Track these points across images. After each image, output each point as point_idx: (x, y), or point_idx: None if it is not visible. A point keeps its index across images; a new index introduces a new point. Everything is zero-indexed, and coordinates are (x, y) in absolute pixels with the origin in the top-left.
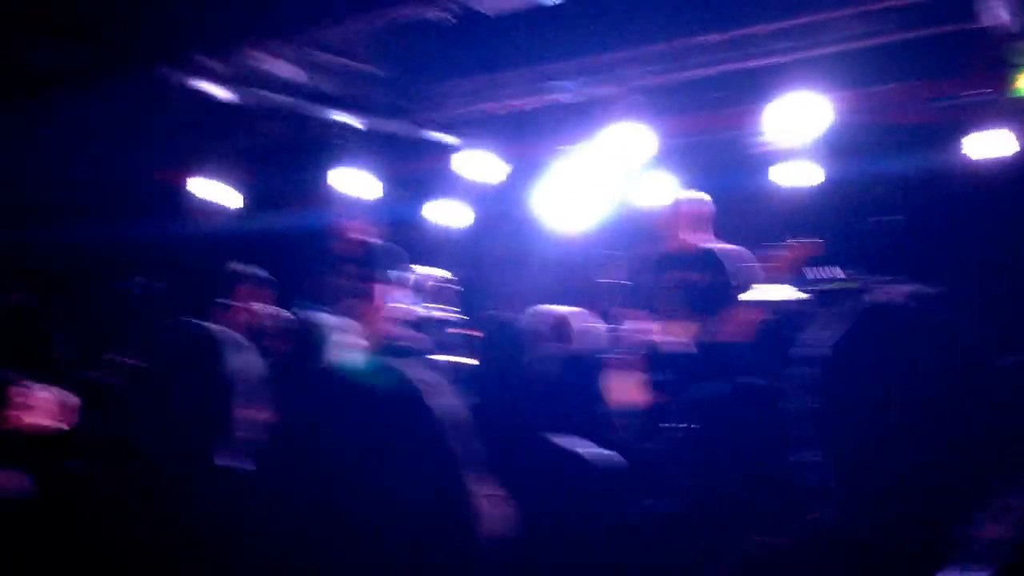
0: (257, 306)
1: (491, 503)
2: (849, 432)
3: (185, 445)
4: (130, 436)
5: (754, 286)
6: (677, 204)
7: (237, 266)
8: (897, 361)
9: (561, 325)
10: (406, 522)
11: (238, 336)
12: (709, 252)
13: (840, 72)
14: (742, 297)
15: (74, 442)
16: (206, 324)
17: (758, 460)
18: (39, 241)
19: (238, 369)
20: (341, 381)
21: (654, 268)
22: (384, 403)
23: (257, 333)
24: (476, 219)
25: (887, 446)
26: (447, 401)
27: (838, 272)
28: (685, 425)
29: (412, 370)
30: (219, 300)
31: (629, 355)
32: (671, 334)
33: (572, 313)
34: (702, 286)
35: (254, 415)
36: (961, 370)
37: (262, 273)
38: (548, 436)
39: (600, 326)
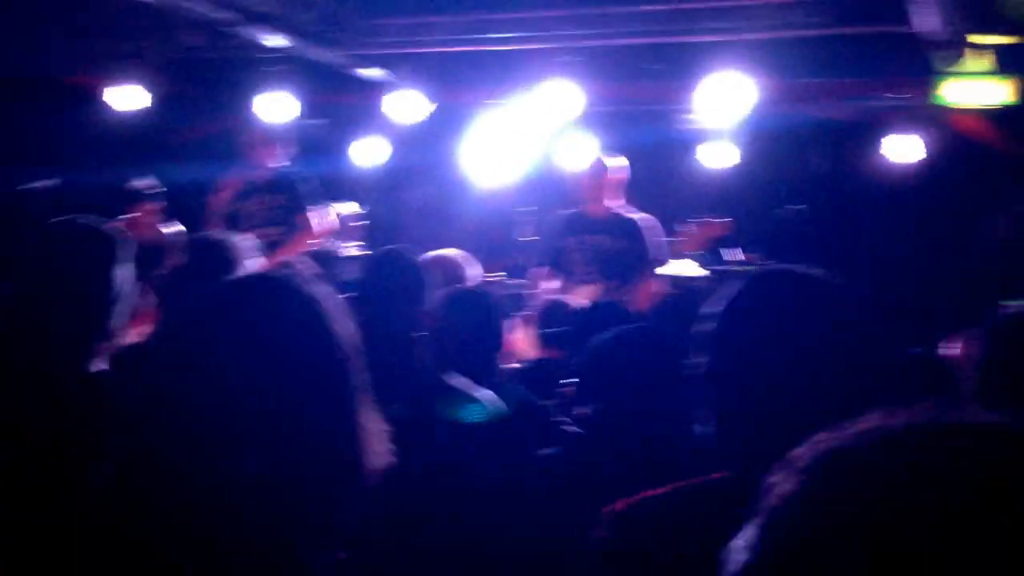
0: (157, 222)
1: (378, 437)
2: (735, 392)
3: (60, 347)
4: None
5: (665, 259)
6: (598, 166)
7: (140, 182)
8: (785, 325)
9: (455, 270)
10: (291, 444)
11: (129, 239)
12: (627, 219)
13: (772, 58)
14: (655, 269)
15: None
16: (96, 222)
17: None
18: None
19: (125, 272)
20: (237, 293)
21: (566, 229)
22: (283, 319)
23: (155, 250)
24: (395, 160)
25: (770, 407)
26: (346, 325)
27: (740, 254)
28: (577, 379)
29: (315, 288)
30: (119, 215)
31: (530, 310)
32: (577, 296)
33: (467, 259)
34: (613, 252)
35: (134, 324)
36: (846, 343)
37: (161, 188)
38: (440, 375)
39: (501, 278)
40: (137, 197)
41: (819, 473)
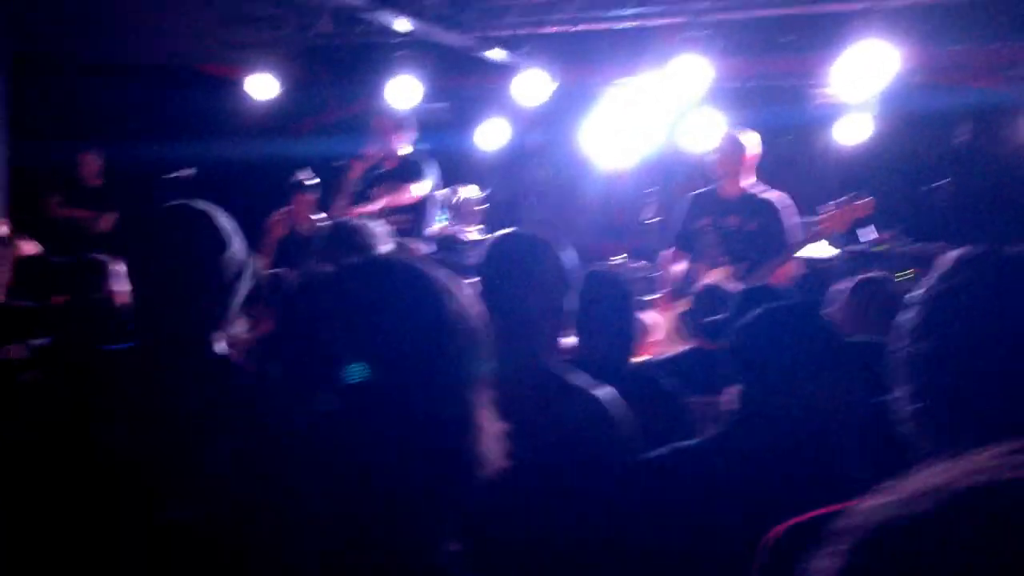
0: (311, 213)
1: (494, 435)
2: (943, 380)
3: (171, 329)
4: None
5: (801, 240)
6: (733, 143)
7: (301, 175)
8: (1003, 311)
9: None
10: (403, 433)
11: (235, 227)
12: (761, 200)
13: (913, 26)
14: (791, 250)
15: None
16: (208, 207)
17: (804, 388)
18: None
19: (239, 261)
20: (356, 275)
21: (698, 209)
22: (402, 303)
23: (307, 240)
24: (517, 141)
25: (981, 399)
26: (469, 312)
27: (873, 233)
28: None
29: (438, 272)
30: (276, 209)
31: (660, 293)
32: (707, 277)
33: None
34: (747, 233)
35: (254, 317)
36: None
37: (314, 180)
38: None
39: (624, 261)
40: (294, 188)
41: (863, 554)
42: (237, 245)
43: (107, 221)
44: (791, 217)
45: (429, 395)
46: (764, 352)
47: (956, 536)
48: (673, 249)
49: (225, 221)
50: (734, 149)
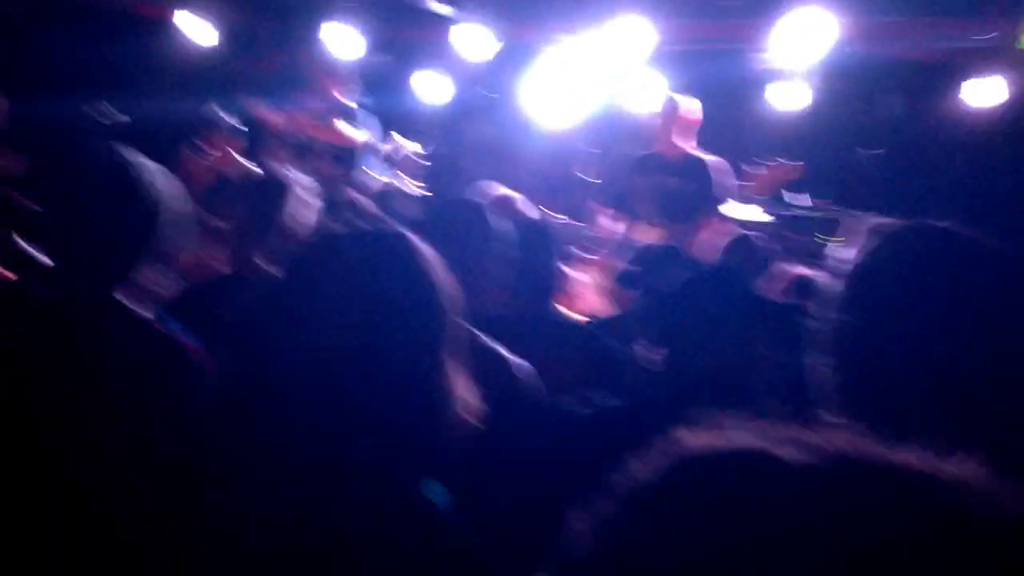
0: (228, 154)
1: (467, 394)
2: (865, 353)
3: (92, 271)
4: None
5: (730, 201)
6: (669, 105)
7: (215, 110)
8: (932, 287)
9: (507, 204)
10: (382, 396)
11: (164, 168)
12: (695, 160)
13: None
14: (721, 210)
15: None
16: (129, 151)
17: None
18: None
19: (164, 203)
20: (338, 242)
21: (636, 169)
22: (386, 269)
23: (223, 183)
24: (458, 96)
25: (907, 377)
26: (446, 277)
27: (807, 200)
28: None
29: (414, 240)
30: (190, 142)
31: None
32: (641, 237)
33: (520, 197)
34: (680, 192)
35: (173, 257)
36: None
37: (237, 123)
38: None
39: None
40: (215, 125)
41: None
42: (148, 189)
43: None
44: (724, 178)
45: (411, 351)
46: (686, 313)
47: (673, 497)
48: (612, 210)
49: (155, 173)
50: (675, 112)
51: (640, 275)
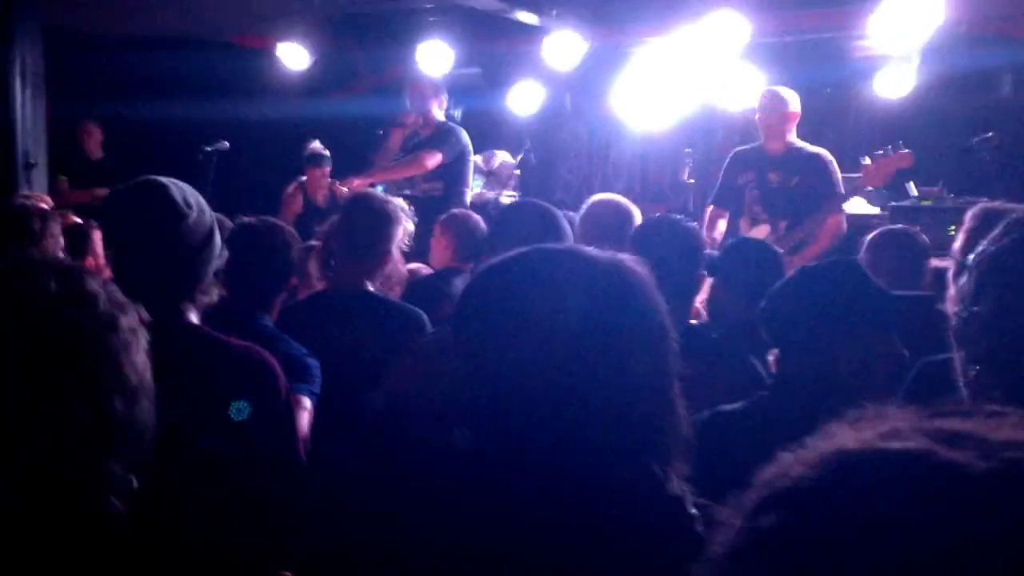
0: (323, 185)
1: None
2: (999, 342)
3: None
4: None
5: (846, 195)
6: (776, 99)
7: (316, 146)
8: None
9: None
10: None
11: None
12: (808, 154)
13: None
14: (835, 206)
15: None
16: (168, 181)
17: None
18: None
19: (202, 232)
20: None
21: (739, 165)
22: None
23: (322, 211)
24: (551, 104)
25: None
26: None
27: (913, 189)
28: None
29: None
30: (293, 178)
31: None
32: (753, 235)
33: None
34: (790, 189)
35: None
36: None
37: (324, 152)
38: None
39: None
40: (307, 161)
41: (760, 522)
42: (197, 216)
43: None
44: (834, 173)
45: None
46: (798, 313)
47: (832, 504)
48: (712, 207)
49: (183, 192)
50: (775, 105)
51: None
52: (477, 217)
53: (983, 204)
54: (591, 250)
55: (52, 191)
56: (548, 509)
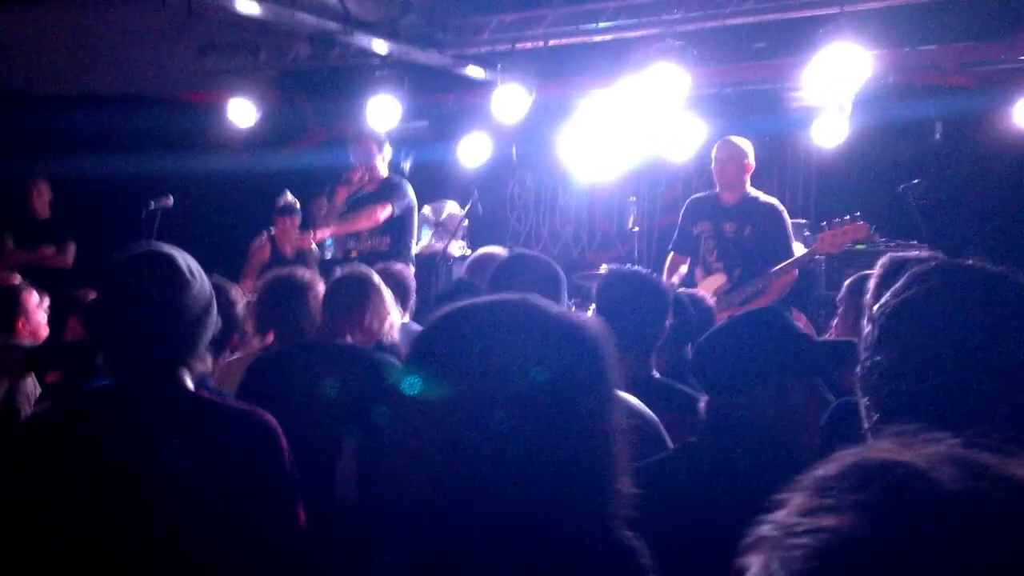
0: (293, 236)
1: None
2: (897, 390)
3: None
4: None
5: (792, 247)
6: (729, 149)
7: (288, 198)
8: (946, 325)
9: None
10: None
11: (197, 267)
12: (759, 205)
13: (884, 28)
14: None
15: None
16: (170, 249)
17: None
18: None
19: (204, 300)
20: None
21: (696, 213)
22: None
23: (294, 260)
24: (499, 156)
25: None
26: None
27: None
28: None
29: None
30: (267, 230)
31: None
32: (704, 287)
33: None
34: (743, 238)
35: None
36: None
37: (294, 203)
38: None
39: None
40: (278, 212)
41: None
42: (200, 284)
43: (70, 253)
44: (787, 225)
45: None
46: (724, 360)
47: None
48: (672, 254)
49: (187, 261)
50: (733, 156)
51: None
52: (410, 271)
53: (891, 254)
54: (546, 303)
55: None
56: (506, 564)
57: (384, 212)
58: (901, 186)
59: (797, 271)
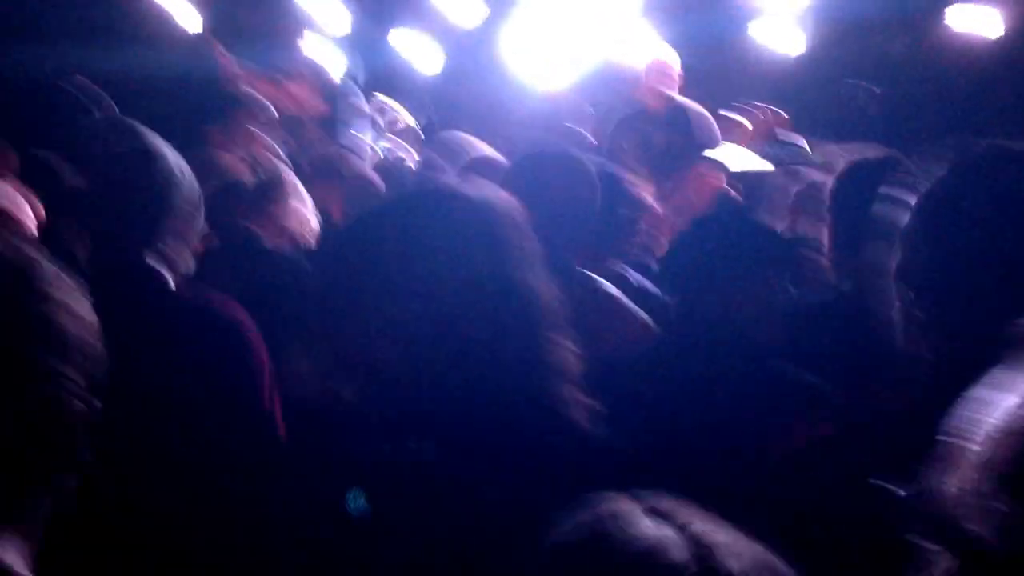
0: (258, 133)
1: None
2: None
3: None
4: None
5: (718, 149)
6: (649, 57)
7: (239, 89)
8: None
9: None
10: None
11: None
12: (674, 110)
13: None
14: (709, 158)
15: None
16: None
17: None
18: None
19: (177, 177)
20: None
21: (624, 127)
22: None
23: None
24: (447, 64)
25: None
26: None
27: (800, 141)
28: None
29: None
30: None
31: None
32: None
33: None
34: (663, 145)
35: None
36: None
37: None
38: None
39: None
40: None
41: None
42: (167, 162)
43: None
44: (704, 126)
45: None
46: (694, 259)
47: None
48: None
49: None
50: (656, 65)
51: None
52: None
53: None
54: (469, 189)
55: None
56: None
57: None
58: (849, 81)
59: (723, 175)
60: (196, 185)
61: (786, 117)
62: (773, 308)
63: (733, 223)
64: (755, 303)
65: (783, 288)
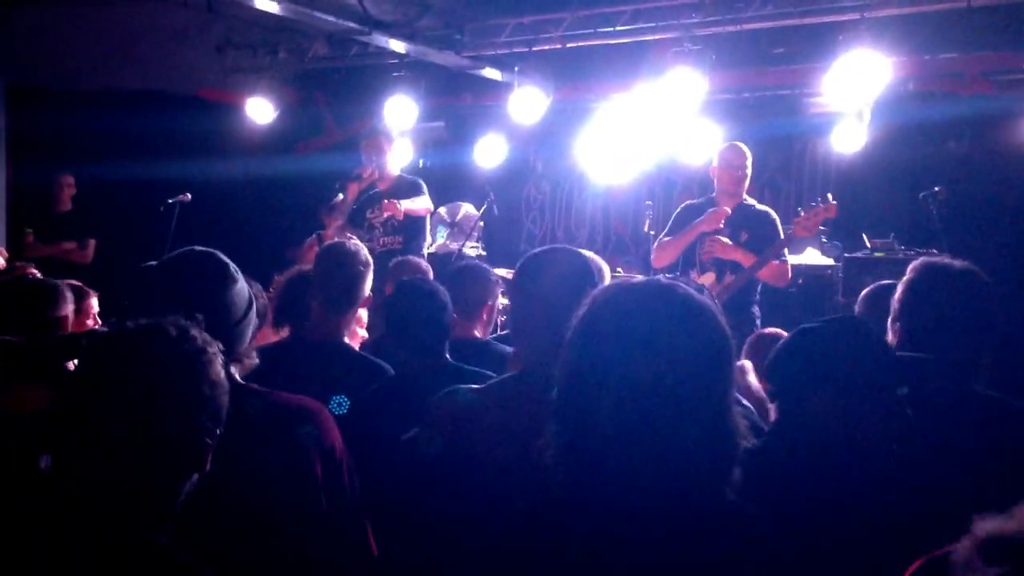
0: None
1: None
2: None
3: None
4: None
5: (785, 248)
6: (726, 155)
7: (338, 198)
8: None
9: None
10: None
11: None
12: (757, 212)
13: (903, 35)
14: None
15: None
16: (214, 252)
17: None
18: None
19: (246, 296)
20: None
21: (688, 218)
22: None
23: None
24: (515, 158)
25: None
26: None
27: (866, 241)
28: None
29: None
30: (317, 232)
31: None
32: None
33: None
34: (739, 244)
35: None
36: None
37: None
38: None
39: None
40: (330, 211)
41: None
42: (241, 282)
43: (90, 249)
44: (780, 232)
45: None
46: (801, 369)
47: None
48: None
49: (228, 262)
50: (744, 162)
51: None
52: (427, 265)
53: (925, 259)
54: (673, 280)
55: (17, 244)
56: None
57: (428, 203)
58: (921, 194)
59: (784, 262)
60: (246, 285)
61: (831, 207)
62: (890, 428)
63: (853, 334)
64: (852, 421)
65: (896, 410)
